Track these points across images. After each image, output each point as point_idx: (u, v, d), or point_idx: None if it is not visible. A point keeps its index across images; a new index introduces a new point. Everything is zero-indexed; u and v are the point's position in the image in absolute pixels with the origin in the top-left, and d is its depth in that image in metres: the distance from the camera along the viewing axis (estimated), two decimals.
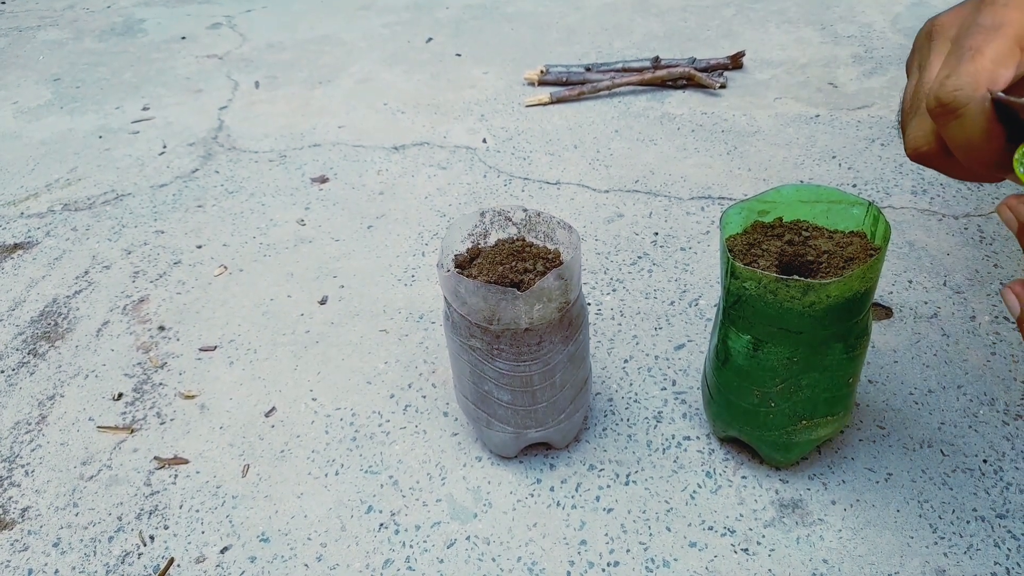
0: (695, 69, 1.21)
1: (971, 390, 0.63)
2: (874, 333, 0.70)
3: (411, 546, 0.55)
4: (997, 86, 0.33)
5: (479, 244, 0.58)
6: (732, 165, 0.99)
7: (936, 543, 0.52)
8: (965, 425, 0.61)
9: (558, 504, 0.57)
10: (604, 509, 0.57)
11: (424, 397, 0.68)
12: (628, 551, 0.54)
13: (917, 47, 0.41)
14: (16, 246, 0.96)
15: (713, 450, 0.61)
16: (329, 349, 0.75)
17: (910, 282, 0.76)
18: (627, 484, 0.58)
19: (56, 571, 0.56)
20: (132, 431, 0.67)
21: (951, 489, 0.56)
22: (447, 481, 0.60)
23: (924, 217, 0.85)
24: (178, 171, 1.11)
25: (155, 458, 0.65)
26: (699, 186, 0.95)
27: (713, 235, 0.86)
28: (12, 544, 0.58)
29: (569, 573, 0.53)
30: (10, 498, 0.62)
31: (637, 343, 0.71)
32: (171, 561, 0.56)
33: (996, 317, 0.70)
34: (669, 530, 0.55)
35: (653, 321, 0.74)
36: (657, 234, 0.87)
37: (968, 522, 0.53)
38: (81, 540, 0.58)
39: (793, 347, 0.49)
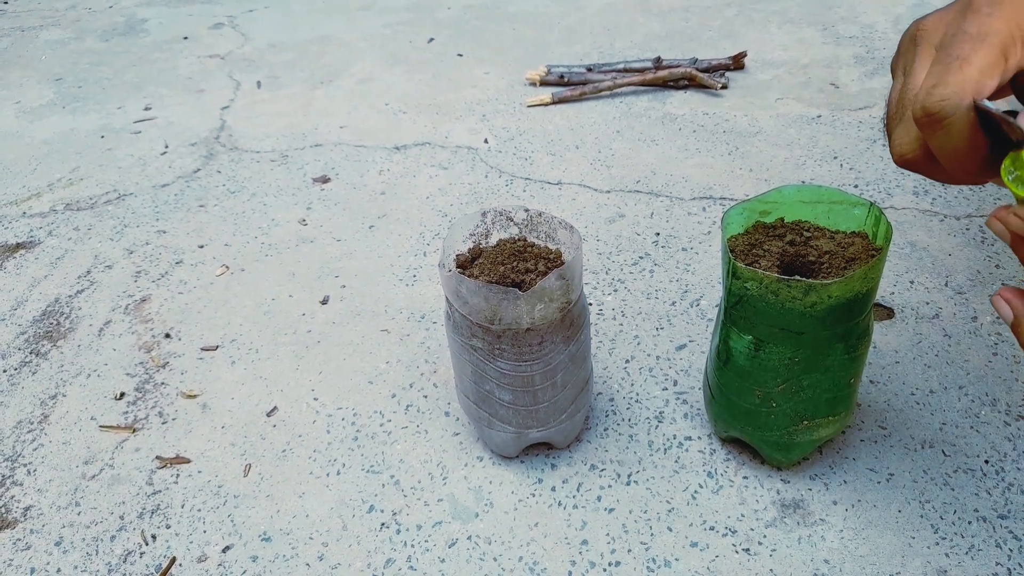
0: (697, 69, 1.21)
1: (973, 391, 0.63)
2: (875, 333, 0.70)
3: (412, 546, 0.56)
4: (982, 96, 0.34)
5: (480, 244, 0.58)
6: (733, 165, 0.99)
7: (938, 544, 0.52)
8: (967, 426, 0.60)
9: (559, 504, 0.58)
10: (605, 509, 0.57)
11: (425, 397, 0.68)
12: (629, 551, 0.54)
13: (902, 51, 0.41)
14: (18, 246, 0.96)
15: (714, 450, 0.61)
16: (331, 349, 0.75)
17: (911, 283, 0.76)
18: (628, 484, 0.58)
19: (58, 570, 0.56)
20: (134, 430, 0.68)
21: (952, 490, 0.56)
22: (448, 481, 0.60)
23: (926, 218, 0.85)
24: (180, 171, 1.11)
25: (157, 457, 0.65)
26: (700, 186, 0.95)
27: (714, 235, 0.86)
28: (15, 543, 0.59)
29: (571, 573, 0.53)
30: (12, 497, 0.62)
31: (638, 343, 0.72)
32: (173, 560, 0.56)
33: (998, 318, 0.70)
34: (670, 530, 0.55)
35: (654, 321, 0.74)
36: (659, 234, 0.87)
37: (970, 523, 0.53)
38: (83, 539, 0.58)
39: (794, 347, 0.49)
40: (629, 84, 1.22)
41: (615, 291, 0.78)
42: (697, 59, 1.26)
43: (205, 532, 0.58)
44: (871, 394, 0.64)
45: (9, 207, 1.05)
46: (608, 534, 0.55)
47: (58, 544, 0.58)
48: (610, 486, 0.58)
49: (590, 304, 0.77)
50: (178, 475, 0.63)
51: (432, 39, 1.53)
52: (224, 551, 0.56)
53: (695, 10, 1.56)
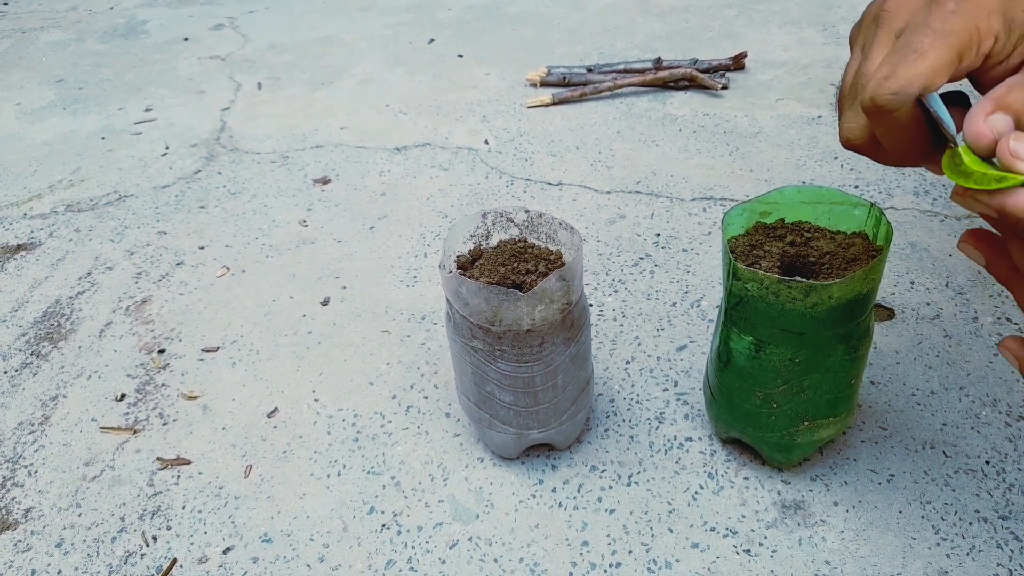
0: (697, 70, 1.21)
1: (973, 391, 0.63)
2: (876, 334, 0.70)
3: (413, 547, 0.56)
4: (930, 92, 0.36)
5: (481, 245, 0.58)
6: (734, 166, 0.99)
7: (938, 544, 0.52)
8: (967, 426, 0.60)
9: (560, 505, 0.57)
10: (606, 510, 0.57)
11: (426, 398, 0.68)
12: (630, 552, 0.54)
13: (864, 25, 0.42)
14: (19, 247, 0.96)
15: (715, 451, 0.61)
16: (331, 350, 0.75)
17: (912, 283, 0.76)
18: (629, 485, 0.58)
19: (59, 571, 0.56)
20: (135, 432, 0.68)
21: (953, 490, 0.56)
22: (449, 482, 0.60)
23: (926, 218, 0.85)
24: (180, 172, 1.11)
25: (158, 459, 0.65)
26: (701, 187, 0.95)
27: (715, 236, 0.86)
28: (15, 544, 0.59)
29: (571, 574, 0.53)
30: (13, 498, 0.62)
31: (639, 344, 0.72)
32: (174, 562, 0.56)
33: (998, 318, 0.70)
34: (671, 531, 0.55)
35: (655, 322, 0.74)
36: (659, 235, 0.87)
37: (970, 523, 0.53)
38: (84, 541, 0.58)
39: (795, 348, 0.49)
40: (629, 85, 1.22)
41: (615, 292, 0.78)
42: (697, 60, 1.26)
43: (206, 533, 0.58)
44: (872, 395, 0.64)
45: (10, 208, 1.05)
46: (609, 535, 0.55)
47: (59, 545, 0.58)
48: (611, 487, 0.58)
49: (591, 305, 0.77)
50: (179, 476, 0.63)
51: (432, 40, 1.53)
52: (225, 552, 0.56)
53: (695, 10, 1.56)
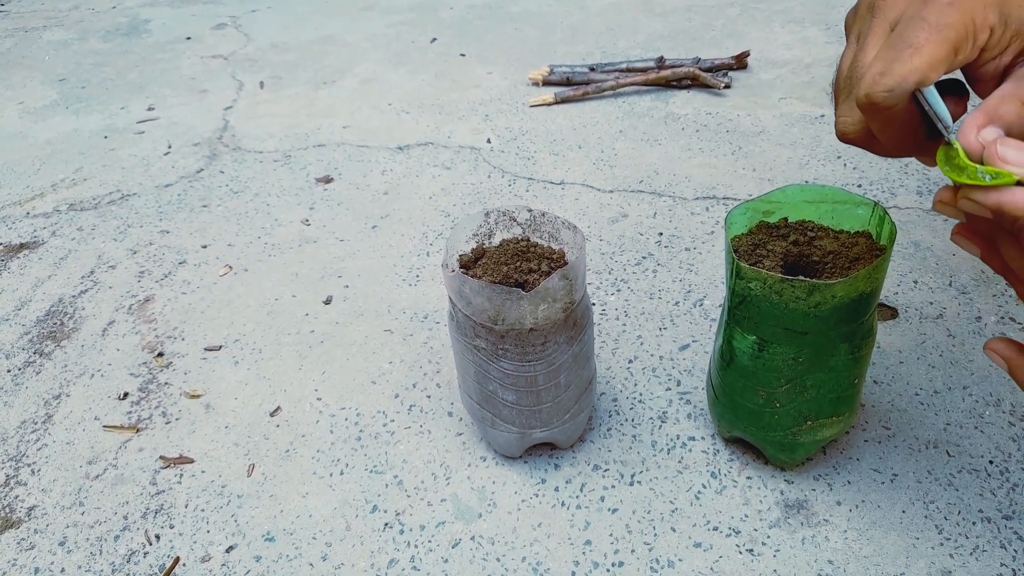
0: (700, 69, 1.21)
1: (977, 391, 0.63)
2: (880, 333, 0.70)
3: (416, 546, 0.56)
4: (924, 86, 0.36)
5: (484, 244, 0.58)
6: (737, 165, 0.99)
7: (942, 544, 0.52)
8: (971, 426, 0.60)
9: (563, 504, 0.57)
10: (609, 509, 0.57)
11: (429, 397, 0.68)
12: (633, 551, 0.54)
13: (859, 14, 0.41)
14: (22, 246, 0.97)
15: (718, 450, 0.60)
16: (334, 349, 0.75)
17: (915, 282, 0.76)
18: (632, 484, 0.58)
19: (62, 570, 0.56)
20: (138, 430, 0.68)
21: (957, 490, 0.56)
22: (452, 481, 0.60)
23: (929, 217, 0.85)
24: (183, 171, 1.11)
25: (161, 457, 0.65)
26: (704, 186, 0.95)
27: (718, 235, 0.86)
28: (19, 543, 0.59)
29: (574, 573, 0.53)
30: (16, 497, 0.63)
31: (642, 343, 0.71)
32: (176, 560, 0.56)
33: (1002, 318, 0.70)
34: (674, 530, 0.55)
35: (658, 321, 0.74)
36: (662, 234, 0.87)
37: (974, 523, 0.53)
38: (87, 539, 0.59)
39: (798, 348, 0.49)
40: (632, 84, 1.21)
41: (618, 291, 0.78)
42: (700, 59, 1.25)
43: (209, 532, 0.58)
44: (875, 394, 0.64)
45: (13, 207, 1.06)
46: (611, 534, 0.55)
47: (62, 544, 0.58)
48: (613, 486, 0.58)
49: (593, 304, 0.77)
50: (181, 475, 0.63)
51: (435, 39, 1.53)
52: (228, 551, 0.57)
53: (698, 9, 1.56)
